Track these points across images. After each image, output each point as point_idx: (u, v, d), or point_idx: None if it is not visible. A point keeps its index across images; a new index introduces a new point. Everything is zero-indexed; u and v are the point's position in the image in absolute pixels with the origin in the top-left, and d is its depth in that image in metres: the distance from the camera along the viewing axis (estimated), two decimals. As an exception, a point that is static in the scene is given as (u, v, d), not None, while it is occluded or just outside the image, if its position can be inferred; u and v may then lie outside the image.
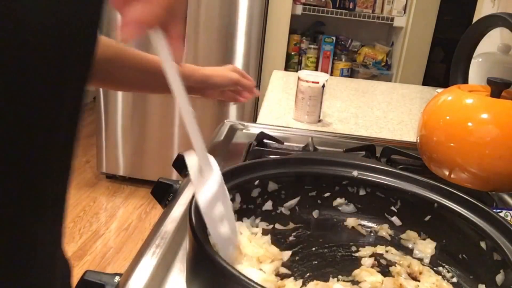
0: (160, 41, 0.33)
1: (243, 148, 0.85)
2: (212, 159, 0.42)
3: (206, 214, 0.40)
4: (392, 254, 0.54)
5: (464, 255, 0.51)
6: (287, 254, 0.51)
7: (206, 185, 0.40)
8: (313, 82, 1.12)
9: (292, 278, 0.47)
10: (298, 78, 1.14)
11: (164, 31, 0.33)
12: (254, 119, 2.47)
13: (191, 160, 0.41)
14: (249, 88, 0.87)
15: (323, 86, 1.13)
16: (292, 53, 2.58)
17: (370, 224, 0.58)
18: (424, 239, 0.55)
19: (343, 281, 0.48)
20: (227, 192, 0.44)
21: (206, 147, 0.41)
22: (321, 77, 1.14)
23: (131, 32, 0.30)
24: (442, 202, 0.53)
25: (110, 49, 0.73)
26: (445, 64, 3.43)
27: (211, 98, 0.87)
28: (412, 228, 0.56)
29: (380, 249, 0.54)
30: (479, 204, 0.51)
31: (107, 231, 2.29)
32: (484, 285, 0.47)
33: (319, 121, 1.16)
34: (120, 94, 2.49)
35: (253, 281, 0.35)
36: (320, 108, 1.15)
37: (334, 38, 2.60)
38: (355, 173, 0.58)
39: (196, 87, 0.82)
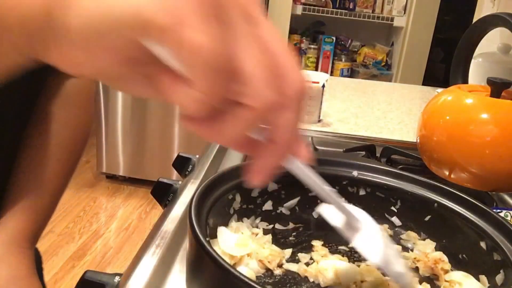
0: (292, 165, 0.34)
1: (243, 148, 0.85)
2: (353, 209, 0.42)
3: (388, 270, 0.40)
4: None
5: (464, 255, 0.51)
6: (288, 252, 0.51)
7: (371, 242, 0.40)
8: (313, 82, 1.12)
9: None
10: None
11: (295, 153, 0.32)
12: (254, 119, 2.47)
13: (330, 213, 0.41)
14: None
15: (323, 86, 1.13)
16: (292, 53, 2.58)
17: (370, 224, 0.58)
18: (424, 239, 0.55)
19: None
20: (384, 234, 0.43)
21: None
22: (321, 77, 1.14)
23: (263, 179, 0.30)
24: (442, 202, 0.53)
25: None
26: (445, 64, 3.43)
27: None
28: (412, 228, 0.56)
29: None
30: (479, 204, 0.51)
31: (107, 231, 2.29)
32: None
33: (319, 121, 1.16)
34: (120, 94, 2.49)
35: (253, 281, 0.35)
36: (320, 108, 1.15)
37: (334, 38, 2.60)
38: (355, 173, 0.58)
39: None
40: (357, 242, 0.40)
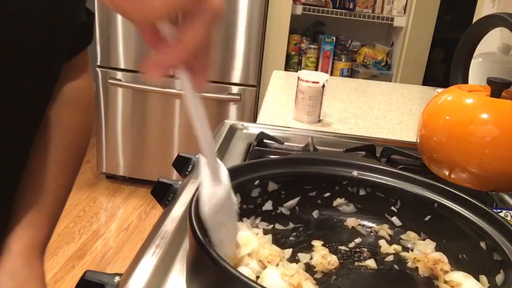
0: (183, 78, 0.35)
1: (243, 148, 0.85)
2: (222, 166, 0.44)
3: (208, 221, 0.41)
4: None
5: (464, 255, 0.51)
6: (288, 252, 0.51)
7: (213, 193, 0.41)
8: (313, 82, 1.12)
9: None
10: (298, 78, 1.14)
11: (189, 68, 0.35)
12: (254, 119, 2.47)
13: (204, 164, 0.42)
14: None
15: (323, 86, 1.13)
16: (292, 53, 2.58)
17: (370, 224, 0.58)
18: (424, 239, 0.55)
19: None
20: (234, 198, 0.44)
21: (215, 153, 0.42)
22: (321, 77, 1.14)
23: (157, 73, 0.32)
24: (442, 202, 0.53)
25: None
26: (445, 64, 3.43)
27: None
28: (412, 228, 0.56)
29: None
30: (479, 204, 0.51)
31: (107, 231, 2.29)
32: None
33: (319, 121, 1.16)
34: (120, 94, 2.49)
35: (253, 281, 0.35)
36: (320, 108, 1.15)
37: (334, 38, 2.60)
38: (355, 173, 0.58)
39: None
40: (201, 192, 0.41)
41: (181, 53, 0.32)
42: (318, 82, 1.12)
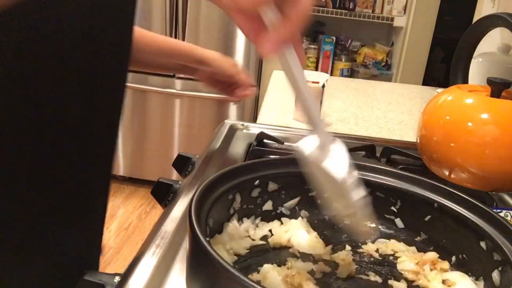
0: (290, 53, 0.39)
1: (243, 148, 0.85)
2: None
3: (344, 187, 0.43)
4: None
5: (464, 255, 0.51)
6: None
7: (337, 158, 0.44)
8: (313, 82, 1.12)
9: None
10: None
11: (295, 44, 0.39)
12: (254, 119, 2.47)
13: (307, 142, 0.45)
14: (245, 85, 0.85)
15: (323, 86, 1.13)
16: (292, 53, 2.58)
17: (370, 224, 0.58)
18: (423, 239, 0.55)
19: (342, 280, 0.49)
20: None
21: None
22: (321, 77, 1.14)
23: (273, 49, 0.38)
24: (442, 202, 0.53)
25: None
26: (445, 64, 3.43)
27: (201, 80, 0.85)
28: (412, 228, 0.56)
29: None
30: (479, 204, 0.51)
31: (107, 231, 2.29)
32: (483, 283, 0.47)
33: None
34: (120, 94, 2.49)
35: (253, 281, 0.35)
36: (320, 108, 1.15)
37: (334, 38, 2.60)
38: (355, 173, 0.58)
39: (190, 67, 0.82)
40: (326, 163, 0.44)
41: (292, 28, 0.37)
42: (318, 82, 1.12)
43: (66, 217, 0.60)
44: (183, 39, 2.46)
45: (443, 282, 0.48)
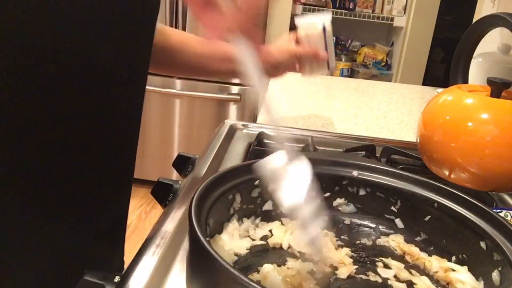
0: (240, 43, 0.38)
1: (243, 148, 0.85)
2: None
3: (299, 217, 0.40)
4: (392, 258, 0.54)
5: (464, 255, 0.51)
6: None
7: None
8: (310, 29, 0.94)
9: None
10: (296, 27, 0.97)
11: (245, 34, 0.38)
12: (254, 119, 2.47)
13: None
14: (313, 55, 0.84)
15: (324, 29, 0.94)
16: (292, 53, 2.57)
17: (370, 224, 0.58)
18: (422, 239, 0.55)
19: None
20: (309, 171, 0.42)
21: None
22: (318, 18, 0.95)
23: (216, 34, 0.37)
24: (442, 202, 0.53)
25: (173, 38, 0.78)
26: (445, 64, 3.43)
27: (273, 77, 0.86)
28: (412, 228, 0.56)
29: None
30: (479, 204, 0.51)
31: (107, 231, 2.29)
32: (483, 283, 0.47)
33: (331, 70, 0.99)
34: (120, 94, 2.49)
35: (254, 281, 0.35)
36: (330, 57, 0.96)
37: (334, 38, 2.60)
38: (355, 173, 0.58)
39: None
40: (278, 188, 0.40)
41: (240, 19, 0.36)
42: (315, 27, 0.94)
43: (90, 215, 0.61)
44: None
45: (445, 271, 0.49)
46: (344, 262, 0.51)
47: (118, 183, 0.67)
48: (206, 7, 0.37)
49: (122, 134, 0.63)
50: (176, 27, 2.44)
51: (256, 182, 0.55)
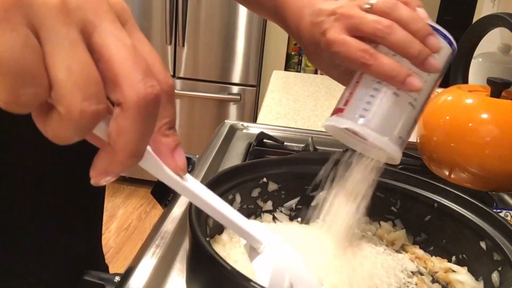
0: (151, 161, 0.31)
1: (243, 148, 0.85)
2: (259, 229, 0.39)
3: None
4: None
5: (464, 255, 0.51)
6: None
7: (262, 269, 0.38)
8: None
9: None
10: None
11: (156, 152, 0.31)
12: (254, 119, 2.47)
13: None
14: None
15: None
16: (292, 53, 2.58)
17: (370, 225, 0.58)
18: (423, 240, 0.55)
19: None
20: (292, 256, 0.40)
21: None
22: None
23: (105, 180, 0.28)
24: (442, 202, 0.53)
25: None
26: (445, 64, 3.42)
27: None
28: (412, 228, 0.56)
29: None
30: (479, 204, 0.51)
31: (107, 231, 2.29)
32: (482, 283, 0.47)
33: None
34: (120, 94, 2.49)
35: (253, 281, 0.35)
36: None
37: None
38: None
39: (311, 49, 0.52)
40: (255, 265, 0.38)
41: (119, 159, 0.27)
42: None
43: (70, 217, 0.60)
44: (183, 39, 2.46)
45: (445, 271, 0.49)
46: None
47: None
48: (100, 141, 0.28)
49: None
50: (176, 27, 2.44)
51: (256, 182, 0.55)
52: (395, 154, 0.43)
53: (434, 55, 0.43)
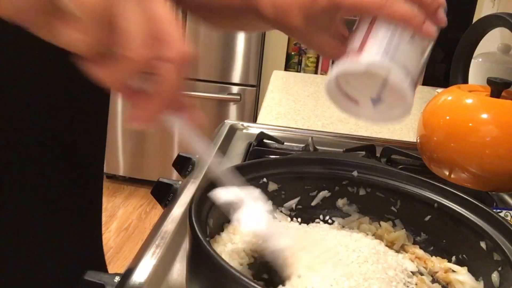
0: (176, 122, 0.36)
1: (243, 148, 0.85)
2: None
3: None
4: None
5: (464, 255, 0.51)
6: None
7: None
8: None
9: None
10: None
11: (177, 109, 0.36)
12: (254, 119, 2.47)
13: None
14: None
15: None
16: (292, 53, 2.58)
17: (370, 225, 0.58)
18: (423, 240, 0.55)
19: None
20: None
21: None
22: None
23: (141, 125, 0.33)
24: (442, 202, 0.53)
25: None
26: (445, 64, 3.43)
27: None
28: (412, 228, 0.56)
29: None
30: (479, 204, 0.51)
31: (107, 231, 2.29)
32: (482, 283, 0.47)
33: None
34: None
35: (253, 281, 0.35)
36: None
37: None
38: (355, 173, 0.58)
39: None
40: (239, 215, 0.42)
41: (157, 105, 0.33)
42: None
43: (69, 217, 0.60)
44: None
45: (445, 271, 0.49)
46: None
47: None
48: (136, 94, 0.34)
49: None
50: (176, 27, 2.43)
51: (256, 182, 0.55)
52: (411, 99, 0.44)
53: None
